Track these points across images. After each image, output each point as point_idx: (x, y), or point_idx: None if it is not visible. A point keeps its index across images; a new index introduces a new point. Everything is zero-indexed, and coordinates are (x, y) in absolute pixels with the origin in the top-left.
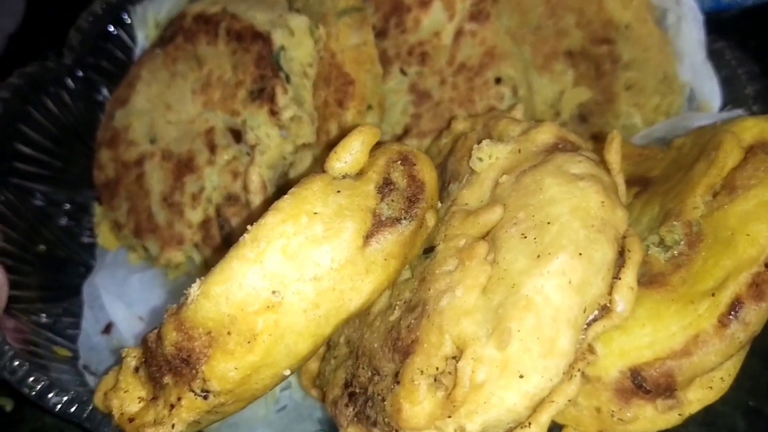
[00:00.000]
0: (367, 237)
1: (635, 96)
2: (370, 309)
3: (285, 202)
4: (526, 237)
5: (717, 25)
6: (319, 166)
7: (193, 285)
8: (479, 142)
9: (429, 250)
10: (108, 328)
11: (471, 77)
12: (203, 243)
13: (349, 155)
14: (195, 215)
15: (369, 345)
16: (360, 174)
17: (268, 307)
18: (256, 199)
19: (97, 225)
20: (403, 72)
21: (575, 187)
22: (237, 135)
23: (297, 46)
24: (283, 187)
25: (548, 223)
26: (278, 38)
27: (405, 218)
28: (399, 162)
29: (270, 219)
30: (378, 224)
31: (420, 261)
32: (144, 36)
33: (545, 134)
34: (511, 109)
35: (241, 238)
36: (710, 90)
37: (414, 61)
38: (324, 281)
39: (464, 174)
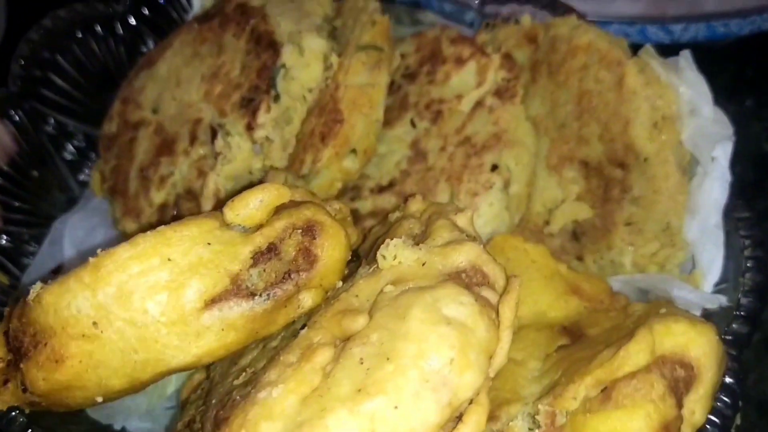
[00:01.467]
0: (212, 301)
1: (633, 235)
2: (238, 359)
3: (146, 238)
4: (362, 363)
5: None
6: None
7: (38, 282)
8: (411, 234)
9: (302, 329)
10: (57, 270)
11: (470, 154)
12: (157, 225)
13: (244, 210)
14: (157, 196)
15: (214, 395)
16: (255, 228)
17: (85, 335)
18: (207, 205)
19: (94, 168)
20: (413, 123)
21: (436, 330)
22: (214, 134)
23: (303, 67)
24: None
25: (388, 359)
26: (286, 54)
27: (263, 294)
28: (301, 231)
29: (120, 251)
30: (231, 292)
31: (289, 338)
32: (200, 4)
33: (461, 255)
34: (459, 211)
35: (91, 258)
36: (710, 261)
37: (427, 117)
38: (148, 330)
39: (374, 261)
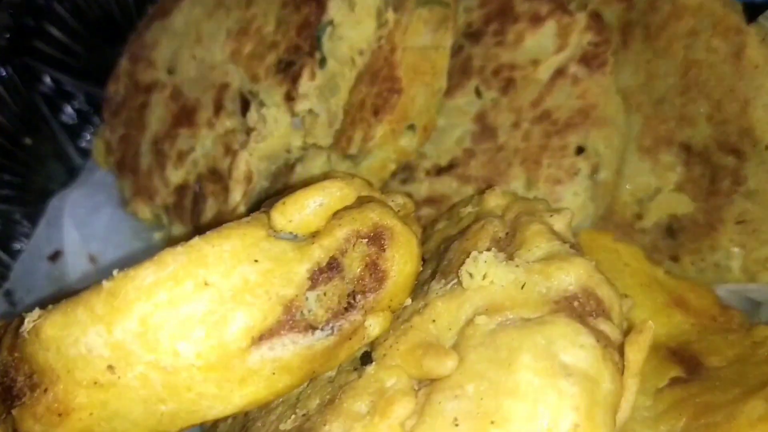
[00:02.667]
0: (261, 338)
1: (745, 235)
2: None
3: (175, 256)
4: (457, 426)
5: None
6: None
7: (35, 309)
8: (494, 243)
9: (366, 358)
10: (55, 256)
11: (550, 133)
12: (173, 209)
13: (298, 215)
14: (175, 175)
15: None
16: (310, 237)
17: (97, 382)
18: (236, 189)
19: (97, 136)
20: (478, 93)
21: (554, 385)
22: (245, 105)
23: (354, 25)
24: (281, 189)
25: (492, 422)
26: (333, 8)
27: (325, 328)
28: (367, 239)
29: (143, 273)
30: (285, 324)
31: (349, 368)
32: None
33: (569, 276)
34: (555, 213)
35: (104, 282)
36: None
37: (496, 85)
38: (180, 376)
39: (453, 275)
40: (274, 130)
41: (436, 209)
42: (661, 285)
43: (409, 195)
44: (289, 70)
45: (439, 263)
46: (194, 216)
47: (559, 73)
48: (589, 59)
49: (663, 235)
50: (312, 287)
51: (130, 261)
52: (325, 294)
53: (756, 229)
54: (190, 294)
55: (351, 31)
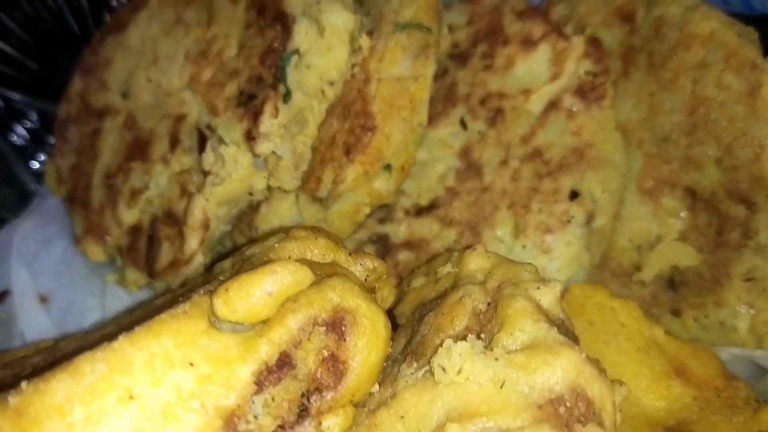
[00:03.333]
0: None
1: (754, 294)
2: None
3: (94, 360)
4: None
5: None
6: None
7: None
8: (473, 318)
9: None
10: (2, 296)
11: (541, 174)
12: (127, 252)
13: (243, 304)
14: (128, 214)
15: None
16: (259, 326)
17: None
18: (192, 237)
19: (49, 160)
20: (463, 124)
21: None
22: (203, 141)
23: (323, 52)
24: (232, 249)
25: None
26: (300, 34)
27: None
28: (325, 327)
29: (56, 386)
30: None
31: None
32: None
33: (556, 374)
34: (542, 284)
35: (9, 398)
36: None
37: (483, 116)
38: None
39: (425, 359)
40: (233, 171)
41: (415, 254)
42: (660, 349)
43: (384, 235)
44: (249, 104)
45: (412, 336)
46: (149, 261)
47: (553, 105)
48: (586, 91)
49: (664, 287)
50: (258, 391)
51: (83, 304)
52: (273, 399)
53: (766, 288)
54: (111, 410)
55: (320, 59)
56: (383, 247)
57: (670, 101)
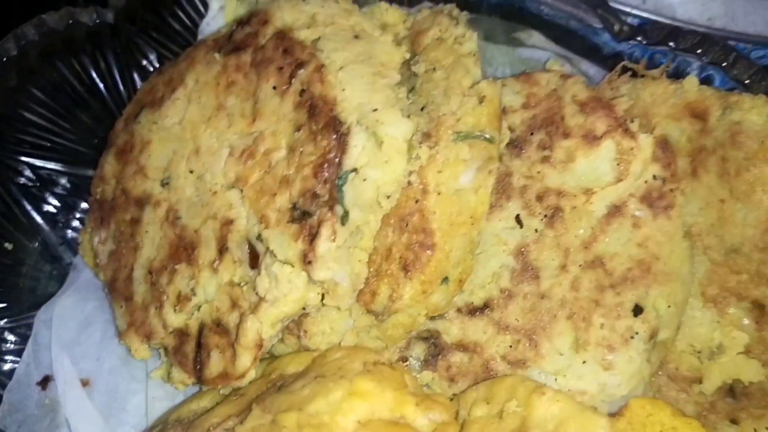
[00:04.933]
0: None
1: None
2: None
3: None
4: None
5: None
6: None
7: None
8: None
9: None
10: (45, 382)
11: (603, 286)
12: (173, 353)
13: None
14: (175, 318)
15: None
16: None
17: None
18: (245, 355)
19: (83, 231)
20: (519, 221)
21: None
22: (255, 257)
23: (380, 164)
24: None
25: None
26: (356, 149)
27: None
28: None
29: None
30: None
31: None
32: (219, 6)
33: None
34: None
35: None
36: None
37: (540, 213)
38: None
39: None
40: (288, 293)
41: (468, 357)
42: None
43: (436, 333)
44: (305, 222)
45: None
46: (196, 367)
47: (617, 209)
48: (653, 199)
49: (723, 395)
50: None
51: (126, 389)
52: None
53: None
54: None
55: (377, 172)
56: (435, 346)
57: (743, 213)
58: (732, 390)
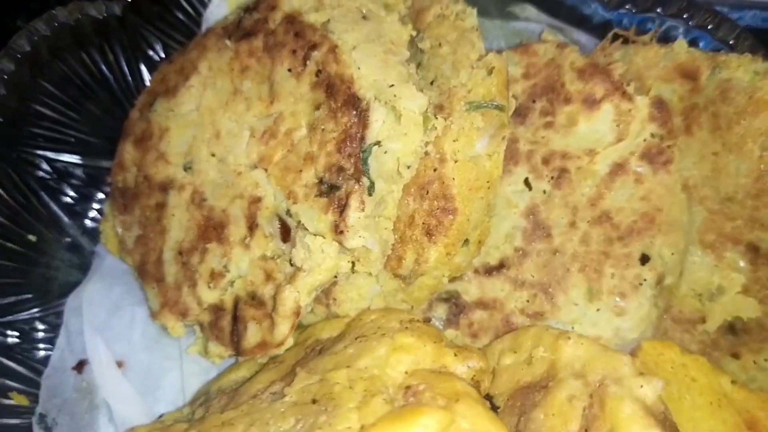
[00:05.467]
0: None
1: None
2: None
3: None
4: None
5: None
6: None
7: None
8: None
9: None
10: (80, 366)
11: (611, 239)
12: (209, 328)
13: None
14: (209, 295)
15: None
16: None
17: None
18: (284, 323)
19: (104, 219)
20: (527, 184)
21: None
22: (286, 231)
23: (400, 137)
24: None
25: None
26: (377, 123)
27: None
28: None
29: None
30: None
31: None
32: None
33: None
34: (645, 382)
35: None
36: None
37: (547, 175)
38: None
39: None
40: (322, 262)
41: (488, 314)
42: (730, 402)
43: (456, 294)
44: (333, 195)
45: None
46: (234, 339)
47: (619, 167)
48: (652, 155)
49: (724, 332)
50: None
51: (160, 367)
52: None
53: None
54: None
55: (397, 144)
56: (456, 306)
57: (736, 164)
58: (732, 327)
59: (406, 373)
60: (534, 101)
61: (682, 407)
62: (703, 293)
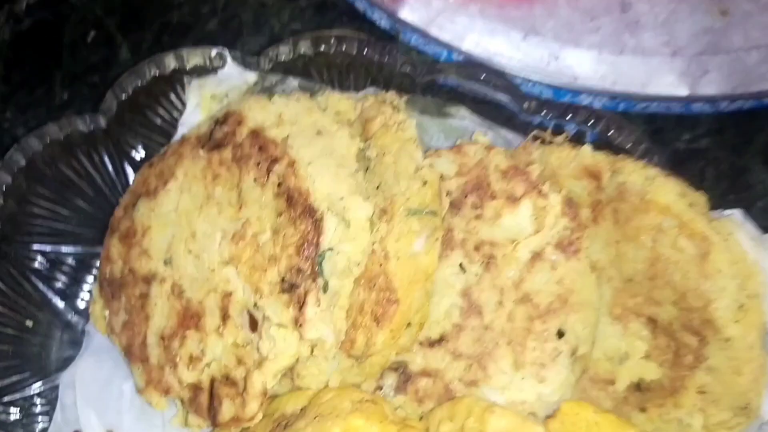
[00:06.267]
0: None
1: (704, 403)
2: None
3: None
4: None
5: None
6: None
7: None
8: None
9: None
10: None
11: (532, 318)
12: (189, 404)
13: None
14: (188, 375)
15: None
16: None
17: None
18: (253, 402)
19: (93, 302)
20: (462, 268)
21: None
22: (254, 322)
23: (350, 240)
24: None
25: None
26: (330, 231)
27: None
28: None
29: None
30: None
31: None
32: (195, 103)
33: None
34: None
35: None
36: None
37: (478, 261)
38: None
39: None
40: (285, 350)
41: (432, 381)
42: None
43: (404, 364)
44: (293, 293)
45: None
46: (211, 413)
47: (537, 255)
48: (564, 245)
49: (632, 390)
50: None
51: None
52: None
53: (715, 400)
54: None
55: (348, 246)
56: (403, 375)
57: (633, 252)
58: (639, 386)
59: None
60: (466, 196)
61: None
62: (614, 357)
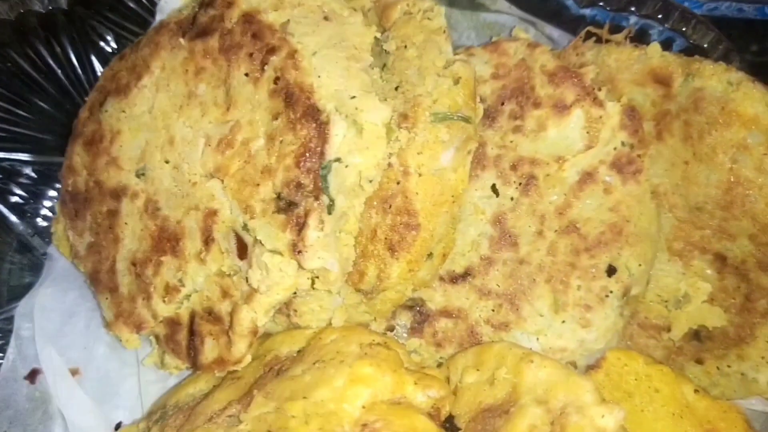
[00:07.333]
0: None
1: None
2: None
3: None
4: None
5: None
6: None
7: None
8: None
9: None
10: (33, 375)
11: (578, 250)
12: (165, 341)
13: None
14: (164, 308)
15: None
16: None
17: None
18: (241, 342)
19: (55, 220)
20: (495, 190)
21: None
22: (242, 247)
23: (362, 151)
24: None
25: None
26: (337, 138)
27: None
28: None
29: None
30: None
31: None
32: None
33: None
34: (606, 412)
35: None
36: None
37: (514, 181)
38: None
39: None
40: (280, 281)
41: (453, 323)
42: (692, 412)
43: (420, 301)
44: (291, 213)
45: None
46: (191, 354)
47: (588, 175)
48: (622, 165)
49: (689, 339)
50: None
51: (117, 374)
52: None
53: None
54: None
55: (359, 159)
56: (420, 314)
57: (706, 174)
58: (697, 334)
59: (364, 407)
60: (503, 104)
61: (644, 419)
62: (670, 300)
